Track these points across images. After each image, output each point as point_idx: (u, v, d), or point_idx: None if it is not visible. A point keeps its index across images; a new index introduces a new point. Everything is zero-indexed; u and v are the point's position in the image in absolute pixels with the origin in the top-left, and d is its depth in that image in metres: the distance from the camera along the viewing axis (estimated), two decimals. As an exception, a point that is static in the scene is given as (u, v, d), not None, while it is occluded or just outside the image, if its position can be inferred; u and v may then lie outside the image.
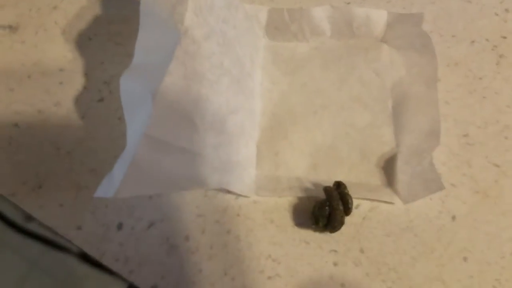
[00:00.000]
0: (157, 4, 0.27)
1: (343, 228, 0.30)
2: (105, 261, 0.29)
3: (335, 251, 0.30)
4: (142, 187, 0.27)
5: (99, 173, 0.31)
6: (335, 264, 0.30)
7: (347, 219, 0.30)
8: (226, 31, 0.29)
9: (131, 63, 0.28)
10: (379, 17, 0.35)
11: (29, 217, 0.31)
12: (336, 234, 0.30)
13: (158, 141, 0.27)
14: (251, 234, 0.30)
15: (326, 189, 0.30)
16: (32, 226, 0.32)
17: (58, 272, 0.31)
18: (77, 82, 0.34)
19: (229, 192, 0.31)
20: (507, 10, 0.38)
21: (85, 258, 0.31)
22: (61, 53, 0.35)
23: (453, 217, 0.31)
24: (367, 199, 0.31)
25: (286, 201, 0.31)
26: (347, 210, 0.29)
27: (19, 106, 0.33)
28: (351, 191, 0.30)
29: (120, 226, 0.30)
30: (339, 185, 0.30)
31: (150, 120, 0.26)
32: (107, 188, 0.27)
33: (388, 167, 0.32)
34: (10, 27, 0.35)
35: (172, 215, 0.31)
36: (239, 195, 0.31)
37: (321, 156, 0.32)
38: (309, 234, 0.30)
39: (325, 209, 0.29)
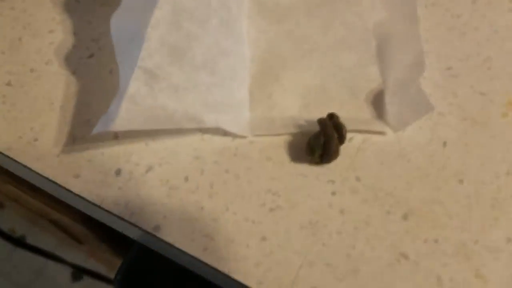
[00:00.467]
0: None
1: (338, 159, 0.31)
2: (105, 206, 0.29)
3: (332, 181, 0.31)
4: (139, 121, 0.28)
5: (93, 124, 0.32)
6: (333, 193, 0.30)
7: (342, 151, 0.31)
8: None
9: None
10: None
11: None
12: (332, 166, 0.31)
13: (151, 74, 0.27)
14: (250, 172, 0.31)
15: (320, 120, 0.30)
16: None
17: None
18: (67, 41, 0.34)
19: (225, 134, 0.32)
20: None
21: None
22: (50, 16, 0.35)
23: (444, 143, 0.32)
24: (359, 131, 0.32)
25: (281, 139, 0.32)
26: (341, 138, 0.30)
27: (11, 66, 0.33)
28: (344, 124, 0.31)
29: (118, 172, 0.30)
30: (332, 116, 0.31)
31: (142, 52, 0.27)
32: (104, 124, 0.28)
33: (376, 101, 0.33)
34: (-3, -5, 0.36)
35: (169, 158, 0.31)
36: (235, 136, 0.32)
37: (312, 96, 0.33)
38: (306, 168, 0.31)
39: (320, 139, 0.30)
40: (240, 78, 0.33)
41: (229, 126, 0.31)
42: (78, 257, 1.17)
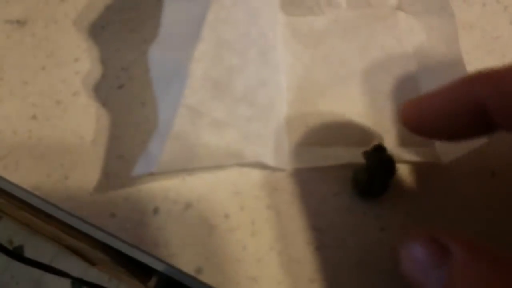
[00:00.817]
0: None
1: (385, 192, 0.29)
2: (144, 247, 0.28)
3: (380, 216, 0.29)
4: (183, 161, 0.26)
5: (127, 159, 0.30)
6: (381, 229, 0.29)
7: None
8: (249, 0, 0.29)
9: (157, 37, 0.27)
10: None
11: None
12: (379, 199, 0.30)
13: (195, 111, 0.26)
14: (292, 207, 0.29)
15: (366, 153, 0.29)
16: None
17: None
18: (94, 70, 0.33)
19: (264, 167, 0.30)
20: (512, -26, 0.38)
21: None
22: (74, 44, 0.34)
23: (492, 173, 0.31)
24: (406, 162, 0.30)
25: (323, 170, 0.30)
26: (390, 172, 0.29)
27: (35, 98, 0.32)
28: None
29: (156, 210, 0.29)
30: (379, 147, 0.29)
31: (186, 89, 0.25)
32: (145, 165, 0.26)
33: None
34: (18, 21, 0.34)
35: (208, 195, 0.29)
36: (275, 169, 0.30)
37: (352, 125, 0.32)
38: (351, 202, 0.30)
39: (366, 172, 0.28)
40: (277, 109, 0.31)
41: (268, 159, 0.30)
42: (77, 267, 1.15)
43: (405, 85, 0.33)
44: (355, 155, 0.30)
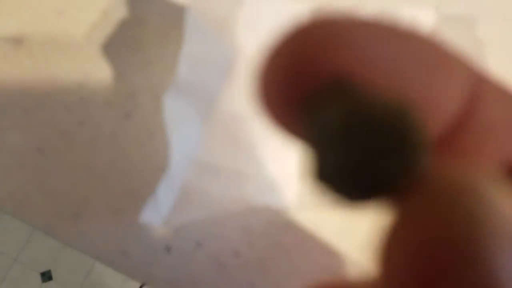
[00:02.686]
0: (207, 16, 0.25)
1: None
2: (155, 286, 0.29)
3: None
4: (191, 214, 0.27)
5: (137, 195, 0.30)
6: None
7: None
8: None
9: (174, 79, 0.26)
10: (427, 19, 0.33)
11: None
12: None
13: (208, 166, 0.26)
14: (303, 245, 0.30)
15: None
16: None
17: None
18: (99, 97, 0.32)
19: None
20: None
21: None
22: (76, 66, 0.32)
23: None
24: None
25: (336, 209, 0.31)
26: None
27: (39, 128, 0.31)
28: None
29: (167, 249, 0.29)
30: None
31: (200, 145, 0.25)
32: (153, 214, 0.26)
33: None
34: (13, 39, 0.32)
35: (218, 231, 0.30)
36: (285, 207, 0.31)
37: None
38: (363, 243, 0.30)
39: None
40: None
41: (278, 203, 0.30)
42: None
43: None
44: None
